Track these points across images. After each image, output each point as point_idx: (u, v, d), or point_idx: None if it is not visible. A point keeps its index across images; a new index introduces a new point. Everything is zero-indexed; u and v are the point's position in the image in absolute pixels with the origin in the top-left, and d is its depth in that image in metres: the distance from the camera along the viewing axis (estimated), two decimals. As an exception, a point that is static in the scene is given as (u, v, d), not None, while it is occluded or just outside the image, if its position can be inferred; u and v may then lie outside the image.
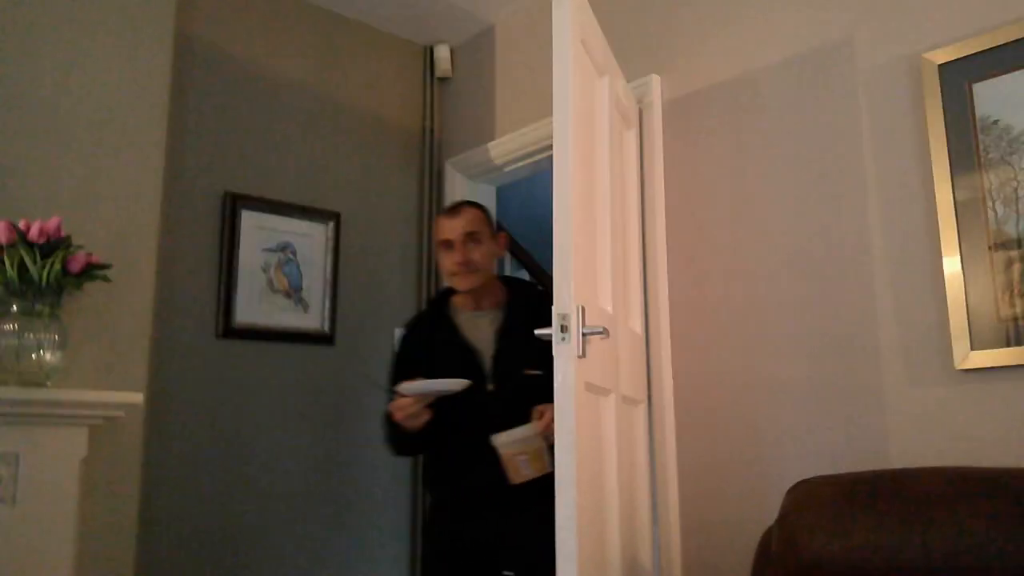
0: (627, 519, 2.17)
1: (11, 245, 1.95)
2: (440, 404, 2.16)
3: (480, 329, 2.34)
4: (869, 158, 2.10)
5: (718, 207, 2.41)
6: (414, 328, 2.48)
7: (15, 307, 1.98)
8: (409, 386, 2.07)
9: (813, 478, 1.75)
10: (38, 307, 1.99)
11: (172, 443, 2.52)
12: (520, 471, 2.07)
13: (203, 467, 2.55)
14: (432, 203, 3.35)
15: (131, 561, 2.20)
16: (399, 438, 2.24)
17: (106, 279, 2.11)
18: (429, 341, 2.37)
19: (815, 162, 2.21)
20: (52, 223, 2.00)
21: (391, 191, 3.29)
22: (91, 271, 2.06)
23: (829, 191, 2.17)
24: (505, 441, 2.08)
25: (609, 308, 2.13)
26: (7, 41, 2.19)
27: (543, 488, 1.95)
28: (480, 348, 2.29)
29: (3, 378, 1.96)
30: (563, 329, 1.78)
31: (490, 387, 2.25)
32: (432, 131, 3.42)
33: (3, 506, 1.91)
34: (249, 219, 2.84)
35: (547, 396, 1.98)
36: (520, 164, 3.17)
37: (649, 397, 2.46)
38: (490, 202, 3.46)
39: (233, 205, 2.81)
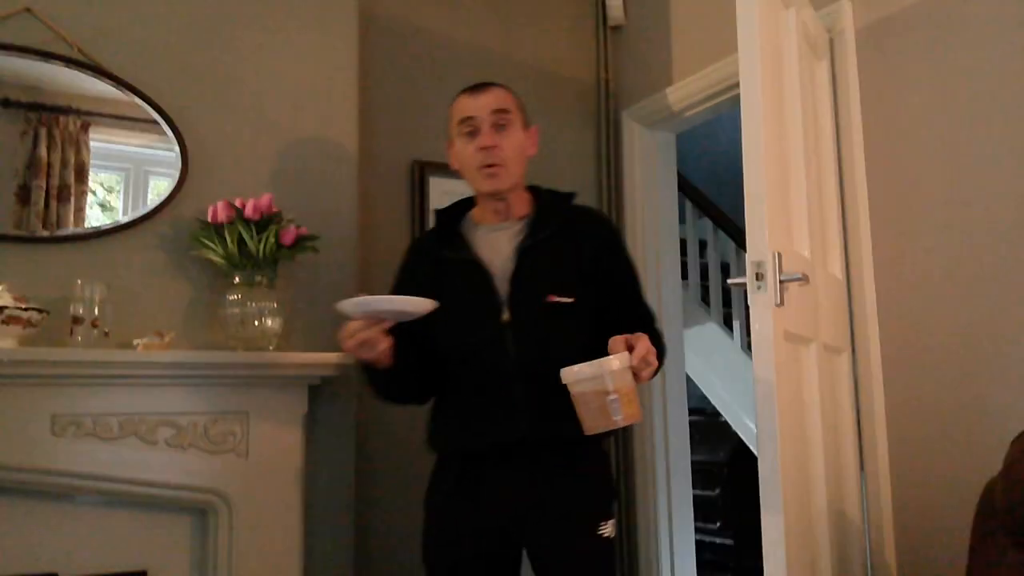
0: (833, 472, 2.09)
1: (230, 223, 2.12)
2: (442, 334, 1.77)
3: (497, 245, 1.82)
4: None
5: (924, 143, 2.22)
6: (418, 246, 2.00)
7: (237, 279, 2.16)
8: (351, 304, 1.56)
9: (1045, 426, 1.61)
10: (257, 278, 2.16)
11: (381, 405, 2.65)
12: (607, 416, 1.51)
13: (412, 418, 2.67)
14: (610, 155, 3.32)
15: (351, 506, 2.37)
16: (368, 375, 1.78)
17: (315, 250, 2.25)
18: (434, 260, 1.85)
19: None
20: (264, 200, 2.16)
21: (569, 144, 3.28)
22: (302, 242, 2.22)
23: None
24: (587, 374, 1.51)
25: (806, 253, 2.04)
26: (212, 36, 2.37)
27: (577, 445, 1.68)
28: (494, 267, 1.78)
29: (231, 344, 2.16)
30: (758, 277, 1.73)
31: (504, 316, 1.74)
32: (607, 81, 3.37)
33: (238, 458, 2.11)
34: (437, 185, 2.92)
35: (579, 332, 1.73)
36: (700, 108, 3.06)
37: (853, 345, 2.34)
38: (670, 150, 3.39)
39: (422, 172, 2.91)
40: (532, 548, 1.77)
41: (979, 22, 2.11)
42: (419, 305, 1.60)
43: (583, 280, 1.77)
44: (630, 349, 1.55)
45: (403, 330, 1.72)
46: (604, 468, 1.88)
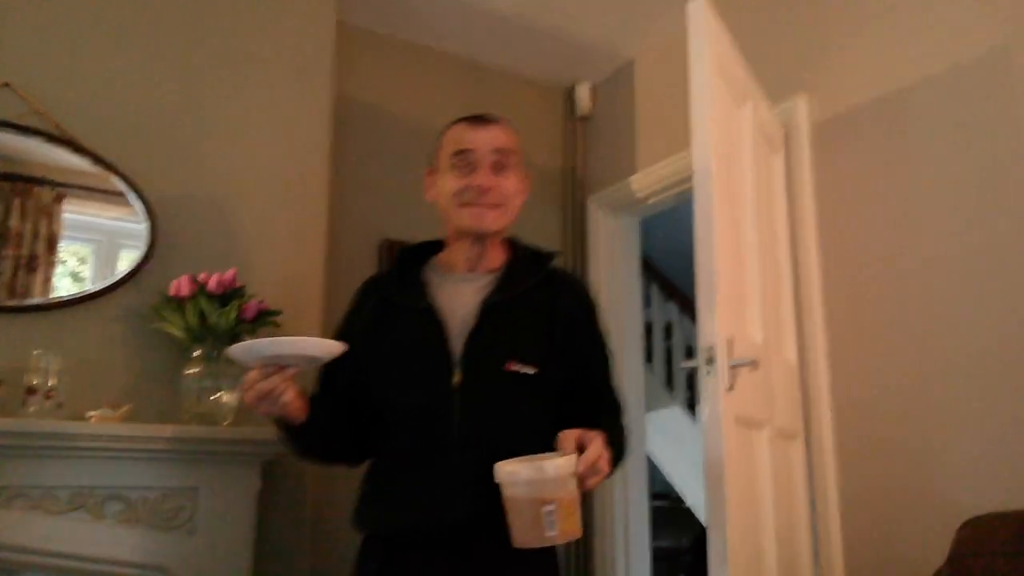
0: (786, 561, 2.09)
1: (193, 297, 2.14)
2: (379, 389, 1.55)
3: (460, 296, 1.58)
4: (1039, 171, 1.96)
5: (875, 229, 2.31)
6: (370, 285, 1.71)
7: (196, 352, 2.17)
8: (240, 348, 1.32)
9: (986, 515, 1.64)
10: (217, 352, 2.16)
11: (346, 474, 2.62)
12: (539, 529, 1.24)
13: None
14: (576, 238, 3.39)
15: (302, 590, 2.32)
16: (279, 432, 1.51)
17: (276, 324, 2.27)
18: (385, 303, 1.61)
19: (978, 177, 2.08)
20: (228, 275, 2.18)
21: (536, 227, 3.34)
22: (263, 317, 2.23)
23: (996, 205, 2.03)
24: (524, 477, 1.25)
25: (759, 338, 2.08)
26: (186, 112, 2.42)
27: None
28: (452, 321, 1.54)
29: (186, 418, 2.15)
30: (709, 361, 1.76)
31: (455, 379, 1.49)
32: (574, 169, 3.48)
33: (185, 535, 2.07)
34: (404, 264, 2.96)
35: (538, 408, 1.52)
36: (663, 196, 3.17)
37: (807, 430, 2.37)
38: (634, 235, 3.47)
39: (390, 251, 2.95)
40: None
41: (922, 120, 2.22)
42: (324, 348, 1.35)
43: (551, 351, 1.55)
44: (580, 449, 1.33)
45: (329, 381, 1.59)
46: (550, 560, 1.57)
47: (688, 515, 4.76)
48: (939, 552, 1.68)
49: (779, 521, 2.04)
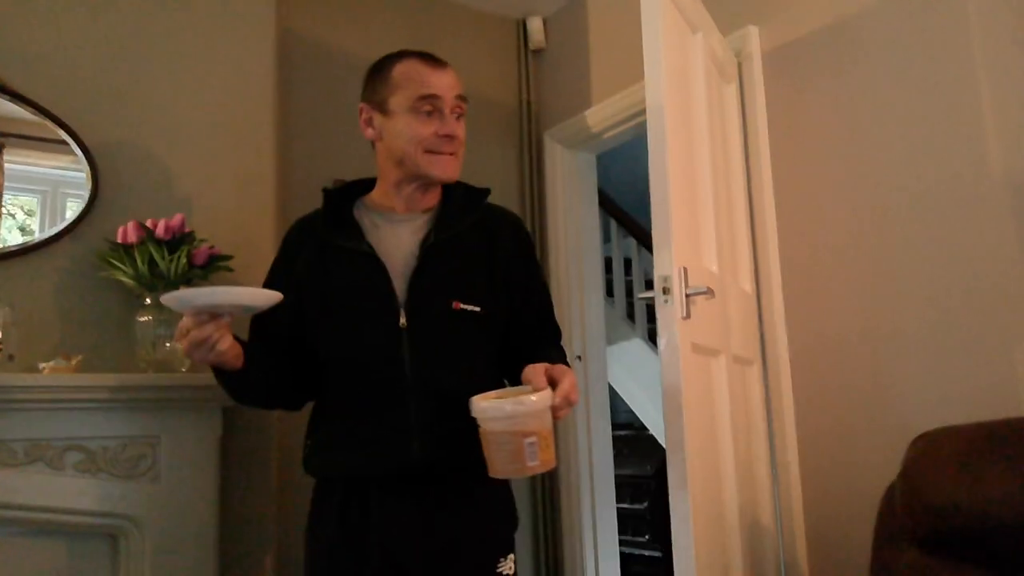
0: (745, 481, 2.15)
1: (141, 243, 2.09)
2: (323, 336, 1.56)
3: (398, 238, 1.58)
4: (986, 94, 1.98)
5: (827, 157, 2.33)
6: (300, 228, 1.69)
7: (148, 300, 2.13)
8: (171, 298, 1.31)
9: (936, 429, 1.69)
10: (169, 298, 2.13)
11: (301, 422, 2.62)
12: (521, 460, 1.31)
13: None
14: (533, 175, 3.37)
15: (270, 534, 2.34)
16: (217, 378, 1.53)
17: (229, 269, 2.23)
18: (320, 247, 1.60)
19: (928, 103, 2.09)
20: (176, 220, 2.14)
21: (492, 166, 3.33)
22: (214, 262, 2.19)
23: (945, 132, 2.05)
24: (502, 412, 1.32)
25: (714, 268, 2.10)
26: (124, 56, 2.34)
27: (476, 472, 1.39)
28: (393, 263, 1.55)
29: (142, 367, 2.12)
30: (665, 291, 1.78)
31: (401, 321, 1.51)
32: (529, 104, 3.44)
33: (150, 483, 2.06)
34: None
35: (484, 345, 1.56)
36: (618, 130, 3.14)
37: (764, 356, 2.42)
38: (590, 170, 3.45)
39: (342, 191, 2.91)
40: None
41: (874, 45, 2.22)
42: (258, 297, 1.36)
43: (493, 287, 1.59)
44: (552, 384, 1.37)
45: (263, 327, 1.58)
46: (505, 496, 1.63)
47: (652, 443, 4.87)
48: (892, 470, 1.73)
49: (738, 445, 2.09)
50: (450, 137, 1.56)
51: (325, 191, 1.68)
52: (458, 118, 1.60)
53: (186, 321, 1.35)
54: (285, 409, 1.71)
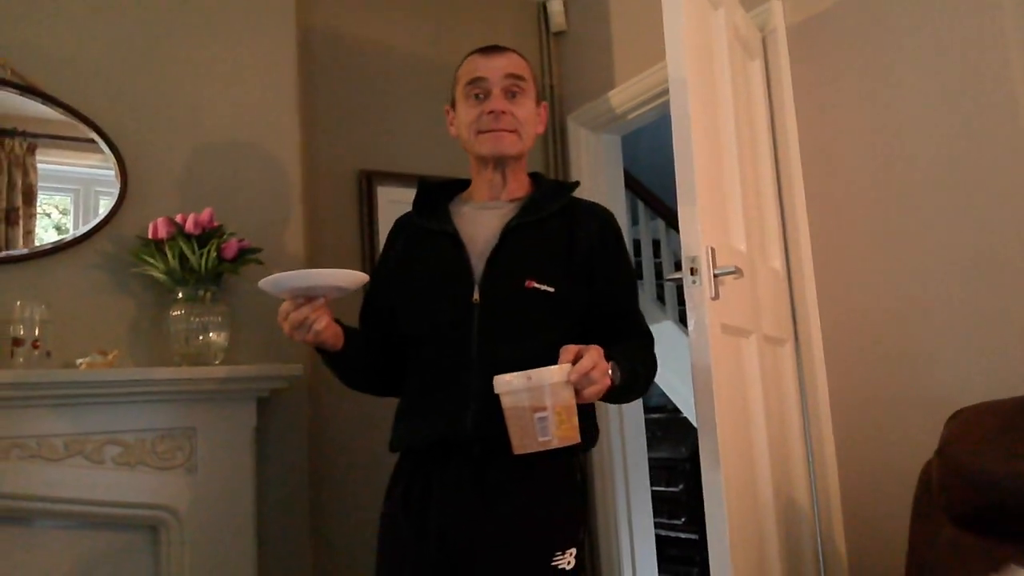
0: (779, 460, 2.13)
1: (171, 238, 2.12)
2: (405, 312, 1.64)
3: (484, 222, 1.65)
4: (1017, 62, 1.93)
5: (855, 132, 2.28)
6: (400, 220, 1.81)
7: (180, 294, 2.16)
8: (267, 282, 1.42)
9: (974, 405, 1.66)
10: (200, 293, 2.16)
11: (340, 406, 2.62)
12: (533, 435, 1.32)
13: (367, 424, 2.67)
14: (557, 160, 3.36)
15: (306, 521, 2.36)
16: (323, 360, 1.63)
17: (258, 262, 2.25)
18: (412, 231, 1.72)
19: (959, 74, 2.04)
20: (205, 215, 2.16)
21: (517, 152, 3.31)
22: (244, 255, 2.21)
23: (977, 102, 2.00)
24: (516, 385, 1.33)
25: (743, 247, 2.08)
26: (147, 52, 2.36)
27: (540, 461, 1.38)
28: (474, 244, 1.62)
29: (176, 360, 2.15)
30: (693, 272, 1.76)
31: (474, 297, 1.56)
32: (551, 87, 3.41)
33: (187, 474, 2.10)
34: (384, 194, 2.93)
35: (556, 328, 1.54)
36: (643, 110, 3.11)
37: (796, 335, 2.39)
38: (616, 152, 3.43)
39: (369, 182, 2.92)
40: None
41: (902, 15, 2.17)
42: (347, 278, 1.43)
43: (571, 272, 1.59)
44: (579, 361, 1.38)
45: (369, 312, 1.70)
46: (568, 483, 1.59)
47: (686, 426, 4.84)
48: (930, 447, 1.71)
49: (771, 424, 2.08)
50: (493, 113, 1.61)
51: (420, 180, 1.80)
52: (512, 96, 1.64)
53: (285, 305, 1.45)
54: (382, 393, 1.75)
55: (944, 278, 2.06)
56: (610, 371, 1.42)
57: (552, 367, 1.34)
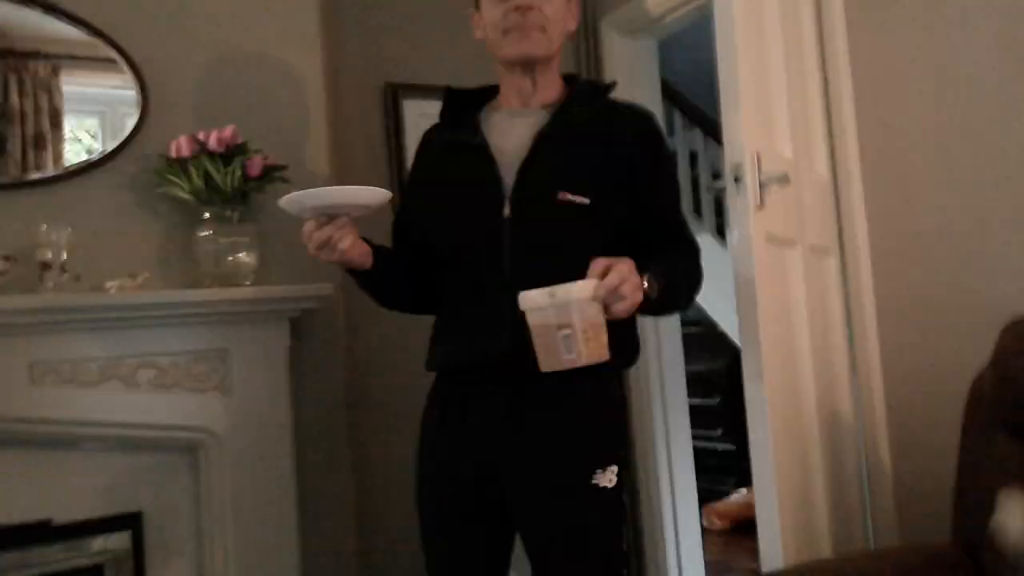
0: (823, 373, 2.08)
1: (194, 157, 2.06)
2: (435, 229, 1.59)
3: (513, 131, 1.55)
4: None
5: (911, 30, 2.13)
6: (427, 132, 1.73)
7: (207, 214, 2.11)
8: (286, 201, 1.39)
9: (1029, 316, 1.58)
10: (227, 212, 2.11)
11: (375, 324, 2.57)
12: (558, 353, 1.28)
13: (405, 342, 2.66)
14: (590, 66, 3.22)
15: (344, 440, 2.37)
16: (354, 279, 1.60)
17: (285, 180, 2.19)
18: (440, 145, 1.65)
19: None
20: (227, 132, 2.09)
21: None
22: (270, 173, 2.15)
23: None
24: (541, 302, 1.28)
25: (789, 153, 1.98)
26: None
27: (576, 370, 1.31)
28: (504, 155, 1.52)
29: (207, 282, 2.13)
30: (737, 179, 1.68)
31: (505, 211, 1.49)
32: (584, -11, 3.25)
33: (223, 396, 2.10)
34: (412, 108, 2.84)
35: (593, 242, 1.44)
36: (681, 12, 2.95)
37: (841, 246, 2.30)
38: (652, 59, 3.28)
39: (395, 95, 2.83)
40: (512, 502, 1.50)
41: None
42: (368, 195, 1.38)
43: (607, 180, 1.50)
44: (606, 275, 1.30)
45: (401, 230, 1.66)
46: (608, 401, 1.56)
47: (722, 339, 4.80)
48: (981, 356, 1.64)
49: (814, 337, 2.02)
50: (520, 10, 1.49)
51: (446, 89, 1.69)
52: None
53: (308, 224, 1.40)
54: (417, 311, 1.70)
55: (999, 183, 1.95)
56: (645, 284, 1.35)
57: (578, 283, 1.27)
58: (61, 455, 1.99)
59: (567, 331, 1.26)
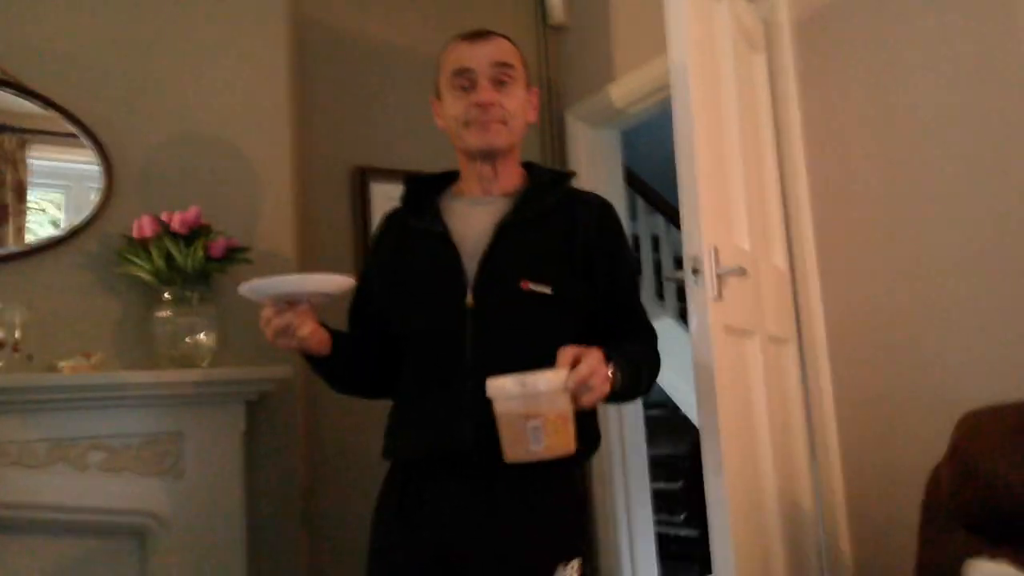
0: (783, 463, 2.08)
1: (157, 237, 2.06)
2: (396, 316, 1.56)
3: (475, 219, 1.55)
4: (1031, 50, 1.87)
5: (863, 125, 2.22)
6: (387, 218, 1.71)
7: (167, 295, 2.10)
8: (246, 288, 1.35)
9: (985, 407, 1.61)
10: (187, 293, 2.10)
11: (332, 408, 2.55)
12: (525, 443, 1.25)
13: (361, 427, 2.61)
14: (555, 155, 3.30)
15: (299, 527, 2.31)
16: (309, 364, 1.56)
17: (248, 261, 2.19)
18: (401, 231, 1.63)
19: (970, 68, 1.98)
20: (191, 213, 2.10)
21: (514, 147, 3.25)
22: (232, 255, 2.15)
23: (990, 99, 1.94)
24: (511, 392, 1.25)
25: (746, 246, 2.03)
26: (133, 46, 2.29)
27: (538, 463, 1.29)
28: (465, 243, 1.52)
29: (162, 363, 2.09)
30: (695, 272, 1.71)
31: (468, 300, 1.48)
32: (550, 81, 3.35)
33: (174, 480, 2.04)
34: (380, 192, 2.87)
35: (555, 331, 1.44)
36: (644, 104, 3.05)
37: (800, 335, 2.34)
38: (615, 148, 3.37)
39: (363, 178, 2.86)
40: None
41: (910, 9, 2.11)
42: (329, 284, 1.37)
43: (568, 269, 1.51)
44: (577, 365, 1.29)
45: (357, 316, 1.64)
46: (570, 493, 1.54)
47: (685, 423, 4.79)
48: (938, 449, 1.66)
49: (774, 427, 2.03)
50: (481, 106, 1.52)
51: (406, 176, 1.73)
52: (500, 85, 1.55)
53: (267, 311, 1.39)
54: (372, 397, 1.68)
55: (953, 276, 2.01)
56: (611, 373, 1.35)
57: (548, 373, 1.26)
58: (2, 539, 1.91)
59: (536, 422, 1.24)
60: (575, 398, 1.28)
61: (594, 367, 1.29)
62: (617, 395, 1.41)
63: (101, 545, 2.01)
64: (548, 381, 1.25)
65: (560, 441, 1.26)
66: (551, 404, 1.25)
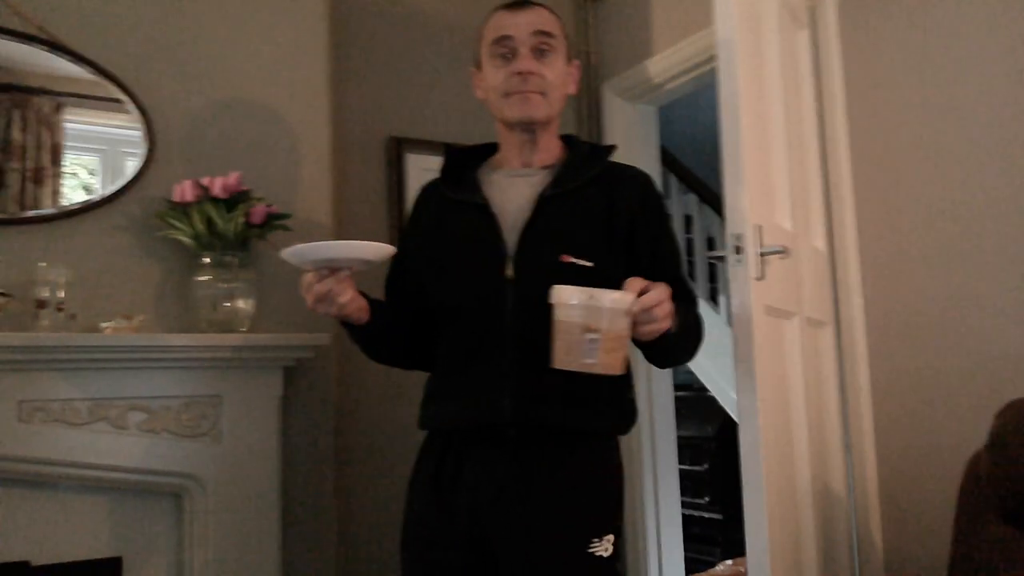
0: (817, 447, 2.07)
1: (198, 202, 2.07)
2: (435, 287, 1.56)
3: (514, 191, 1.55)
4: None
5: (907, 109, 2.18)
6: (426, 189, 1.70)
7: (207, 259, 2.11)
8: (289, 252, 1.37)
9: (1026, 398, 1.59)
10: (227, 258, 2.11)
11: (368, 376, 2.58)
12: (578, 354, 1.26)
13: (397, 396, 2.63)
14: (591, 129, 3.27)
15: (330, 490, 2.33)
16: (347, 332, 1.56)
17: (286, 228, 2.20)
18: (440, 202, 1.61)
19: (1018, 45, 1.94)
20: (232, 179, 2.11)
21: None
22: (272, 221, 2.16)
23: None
24: (577, 301, 1.27)
25: (788, 225, 2.00)
26: (176, 10, 2.30)
27: (576, 435, 1.39)
28: (505, 215, 1.52)
29: (202, 327, 2.12)
30: (738, 250, 1.69)
31: (508, 272, 1.48)
32: (588, 54, 3.32)
33: (212, 442, 2.07)
34: (414, 162, 2.87)
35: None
36: (681, 80, 3.01)
37: (837, 318, 2.31)
38: (651, 124, 3.33)
39: (398, 149, 2.85)
40: (505, 568, 1.45)
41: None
42: (373, 251, 1.37)
43: (610, 244, 1.50)
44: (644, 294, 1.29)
45: (395, 286, 1.63)
46: (607, 467, 1.53)
47: (712, 404, 4.77)
48: (974, 438, 1.64)
49: (810, 409, 2.01)
50: (520, 74, 1.51)
51: (445, 147, 1.70)
52: (541, 55, 1.53)
53: (308, 276, 1.38)
54: (408, 367, 1.69)
55: (997, 263, 1.97)
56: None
57: (616, 292, 1.27)
58: (41, 495, 1.96)
59: (593, 335, 1.25)
60: (636, 325, 1.29)
61: (662, 297, 1.30)
62: (670, 341, 1.40)
63: (140, 504, 2.05)
64: (614, 299, 1.26)
65: (612, 360, 1.27)
66: (611, 322, 1.26)
